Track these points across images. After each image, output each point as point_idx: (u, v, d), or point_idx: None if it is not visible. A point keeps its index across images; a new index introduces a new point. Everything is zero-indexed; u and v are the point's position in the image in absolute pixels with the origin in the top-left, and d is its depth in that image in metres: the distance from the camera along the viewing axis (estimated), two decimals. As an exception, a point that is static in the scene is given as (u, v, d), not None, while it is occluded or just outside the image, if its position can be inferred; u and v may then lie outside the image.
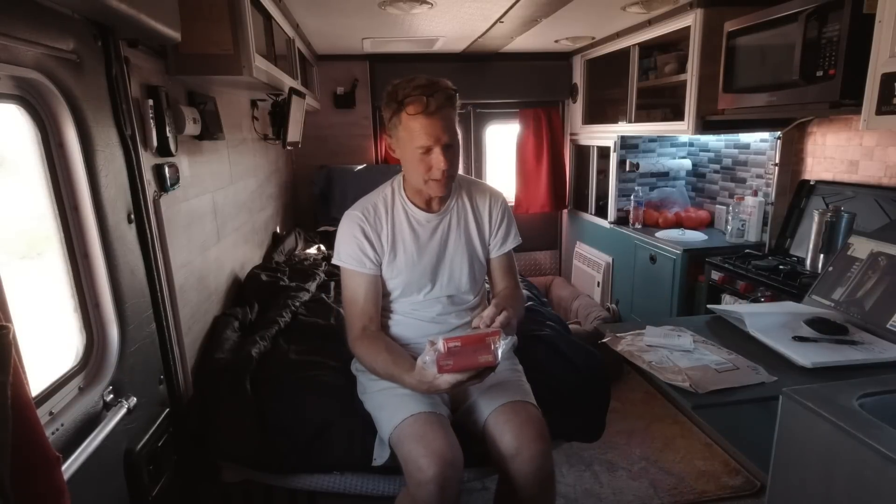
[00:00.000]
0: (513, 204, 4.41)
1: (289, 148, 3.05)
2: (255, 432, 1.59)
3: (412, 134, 1.37)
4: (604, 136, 3.79)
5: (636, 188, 3.50)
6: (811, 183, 2.55)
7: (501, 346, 1.24)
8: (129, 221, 1.42)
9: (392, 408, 1.44)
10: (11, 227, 1.21)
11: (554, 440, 1.58)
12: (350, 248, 1.49)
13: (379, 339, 1.49)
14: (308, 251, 3.40)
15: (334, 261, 1.53)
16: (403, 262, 1.52)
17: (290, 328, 2.11)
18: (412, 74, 1.39)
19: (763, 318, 1.63)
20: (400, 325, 1.59)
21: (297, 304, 2.31)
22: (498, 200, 1.62)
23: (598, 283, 3.83)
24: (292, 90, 2.56)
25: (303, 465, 1.61)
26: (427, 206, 1.54)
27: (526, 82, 4.25)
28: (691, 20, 2.62)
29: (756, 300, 2.25)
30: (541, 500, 1.43)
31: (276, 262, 2.94)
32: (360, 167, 4.10)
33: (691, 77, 2.68)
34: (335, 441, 1.58)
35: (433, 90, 1.35)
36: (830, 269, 1.82)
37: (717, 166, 3.34)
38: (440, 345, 1.23)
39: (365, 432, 1.56)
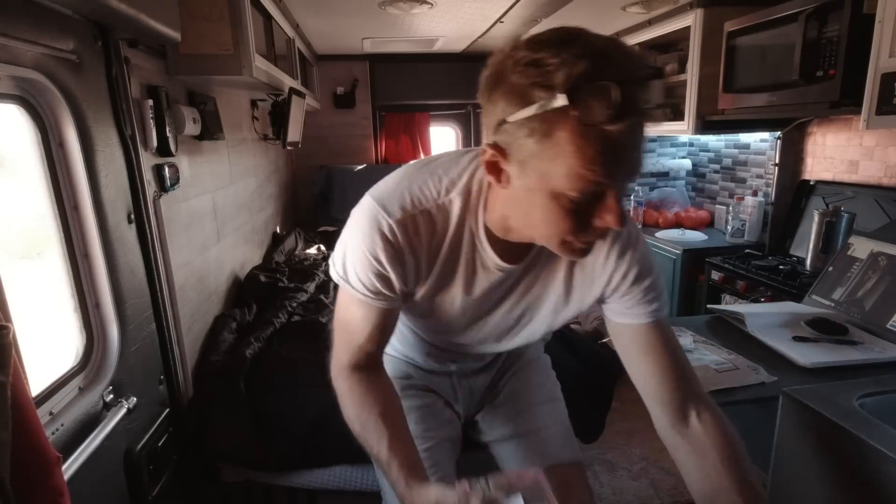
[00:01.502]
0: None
1: (289, 148, 3.05)
2: (252, 432, 1.59)
3: (566, 162, 0.62)
4: (604, 136, 3.78)
5: (636, 188, 3.50)
6: (811, 183, 2.55)
7: None
8: (129, 221, 1.42)
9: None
10: (11, 227, 1.21)
11: None
12: (363, 271, 0.83)
13: (375, 388, 0.94)
14: (308, 251, 3.40)
15: (333, 274, 0.90)
16: (442, 309, 0.93)
17: (285, 328, 2.11)
18: (560, 30, 0.64)
19: (763, 317, 1.63)
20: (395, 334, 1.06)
21: (294, 304, 2.31)
22: (630, 248, 0.86)
23: (598, 283, 3.82)
24: (292, 90, 2.56)
25: (301, 462, 1.62)
26: (507, 253, 0.84)
27: (526, 82, 4.25)
28: (691, 20, 2.62)
29: (756, 300, 2.24)
30: None
31: (275, 262, 2.94)
32: (360, 167, 4.10)
33: (691, 77, 2.68)
34: (332, 435, 1.58)
35: (637, 74, 0.61)
36: (830, 269, 1.82)
37: (717, 166, 3.34)
38: None
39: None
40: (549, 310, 0.93)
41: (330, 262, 0.92)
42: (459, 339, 1.02)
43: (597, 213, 0.68)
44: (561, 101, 0.59)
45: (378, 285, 0.84)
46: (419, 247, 0.83)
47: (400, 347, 1.16)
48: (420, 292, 0.89)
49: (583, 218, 0.68)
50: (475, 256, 0.86)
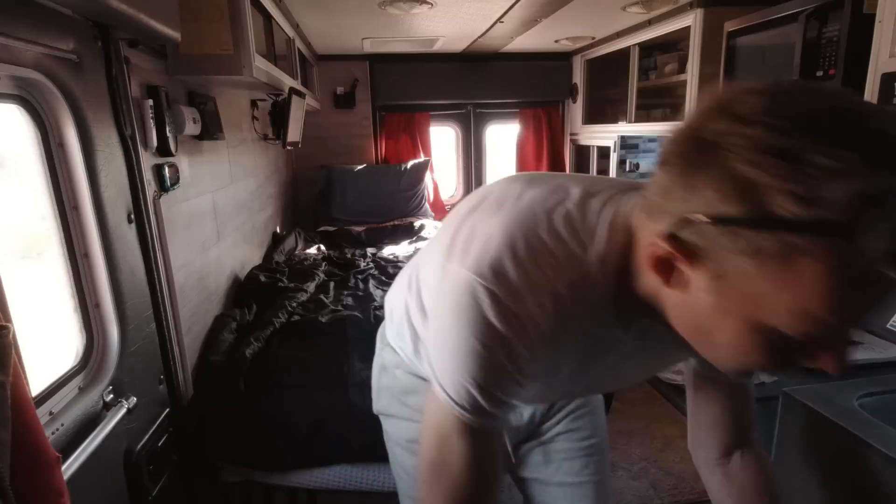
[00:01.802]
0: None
1: (289, 148, 3.05)
2: (251, 432, 1.59)
3: (799, 300, 0.45)
4: (604, 136, 3.79)
5: (636, 188, 3.50)
6: (811, 183, 2.55)
7: None
8: (129, 221, 1.42)
9: None
10: (11, 227, 1.21)
11: None
12: (473, 381, 0.61)
13: None
14: (308, 251, 3.40)
15: (441, 394, 0.64)
16: (543, 382, 0.74)
17: (285, 328, 2.11)
18: (816, 92, 0.46)
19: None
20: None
21: (294, 304, 2.31)
22: None
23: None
24: (292, 90, 2.56)
25: (301, 461, 1.62)
26: (624, 317, 0.65)
27: (526, 82, 4.25)
28: (691, 20, 2.62)
29: (756, 300, 2.24)
30: None
31: (275, 262, 2.94)
32: (360, 167, 4.10)
33: (691, 77, 2.68)
34: (332, 435, 1.58)
35: None
36: (830, 269, 1.82)
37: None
38: None
39: (361, 423, 1.56)
40: (672, 361, 0.82)
41: (431, 376, 0.66)
42: (548, 399, 0.92)
43: (811, 353, 0.50)
44: (830, 228, 0.40)
45: (493, 393, 0.62)
46: (545, 334, 0.61)
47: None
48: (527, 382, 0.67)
49: (788, 355, 0.51)
50: (598, 328, 0.65)
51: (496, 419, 0.65)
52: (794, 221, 0.41)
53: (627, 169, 3.57)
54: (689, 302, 0.53)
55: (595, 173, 4.03)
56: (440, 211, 4.33)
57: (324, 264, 2.99)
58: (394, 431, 1.03)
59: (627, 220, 0.60)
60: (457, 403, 0.63)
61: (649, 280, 0.56)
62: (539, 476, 1.06)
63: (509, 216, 0.63)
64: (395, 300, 0.93)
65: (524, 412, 1.02)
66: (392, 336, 0.98)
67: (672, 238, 0.49)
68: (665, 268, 0.52)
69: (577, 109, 4.21)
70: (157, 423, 1.49)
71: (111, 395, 1.28)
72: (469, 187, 4.55)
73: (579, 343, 0.67)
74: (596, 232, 0.61)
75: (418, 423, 0.84)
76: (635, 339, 0.67)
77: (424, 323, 0.80)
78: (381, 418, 1.06)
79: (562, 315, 0.61)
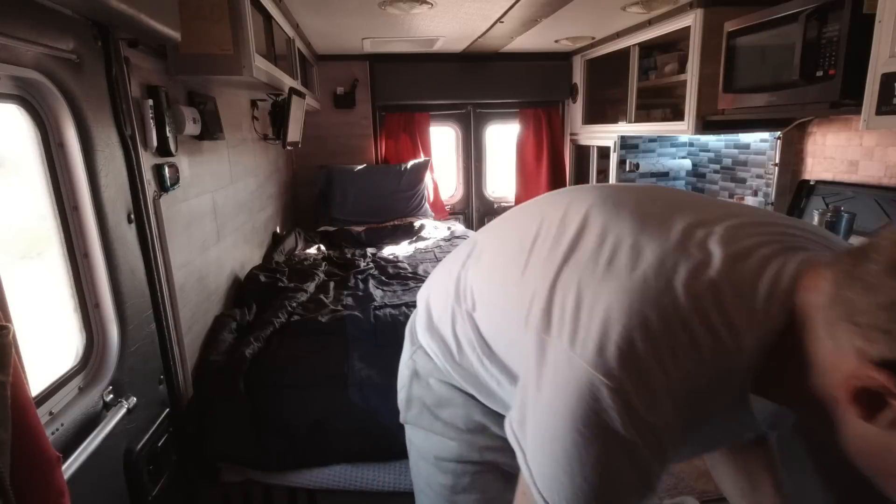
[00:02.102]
0: (513, 204, 4.41)
1: (289, 148, 3.05)
2: (251, 432, 1.60)
3: None
4: (604, 136, 3.79)
5: (636, 188, 3.50)
6: (811, 183, 2.55)
7: None
8: (129, 221, 1.42)
9: None
10: (11, 227, 1.21)
11: None
12: (603, 500, 0.52)
13: None
14: (308, 251, 3.40)
15: (535, 495, 0.55)
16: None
17: (284, 328, 2.11)
18: None
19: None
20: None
21: (294, 304, 2.31)
22: None
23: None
24: (292, 90, 2.56)
25: (301, 461, 1.62)
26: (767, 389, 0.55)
27: (526, 82, 4.25)
28: (691, 20, 2.62)
29: (756, 300, 2.24)
30: None
31: (275, 262, 2.94)
32: (360, 167, 4.10)
33: (691, 77, 2.68)
34: (332, 435, 1.58)
35: None
36: (830, 269, 1.82)
37: (717, 166, 3.34)
38: None
39: (361, 423, 1.56)
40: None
41: (522, 463, 0.57)
42: None
43: None
44: None
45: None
46: (675, 438, 0.51)
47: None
48: None
49: None
50: (733, 415, 0.56)
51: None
52: None
53: (627, 169, 3.57)
54: (888, 443, 0.44)
55: (595, 173, 4.03)
56: (440, 211, 4.33)
57: (324, 264, 2.99)
58: (421, 444, 0.93)
59: (791, 296, 0.48)
60: None
61: (835, 394, 0.46)
62: None
63: (634, 285, 0.50)
64: (438, 305, 0.83)
65: None
66: (426, 340, 0.87)
67: (884, 366, 0.40)
68: (868, 399, 0.42)
69: (577, 109, 4.21)
70: (157, 423, 1.49)
71: (111, 395, 1.28)
72: (469, 187, 4.55)
73: (702, 424, 0.55)
74: (753, 314, 0.48)
75: (451, 440, 0.84)
76: (767, 425, 0.58)
77: (489, 359, 0.71)
78: (408, 429, 0.98)
79: (698, 411, 0.50)
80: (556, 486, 0.51)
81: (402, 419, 0.97)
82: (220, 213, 2.26)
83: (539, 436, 0.53)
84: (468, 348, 0.76)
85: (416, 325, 0.93)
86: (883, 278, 0.39)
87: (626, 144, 3.60)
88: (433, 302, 0.88)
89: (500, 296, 0.69)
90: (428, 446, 0.91)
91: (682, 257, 0.51)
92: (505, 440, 0.65)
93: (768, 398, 0.53)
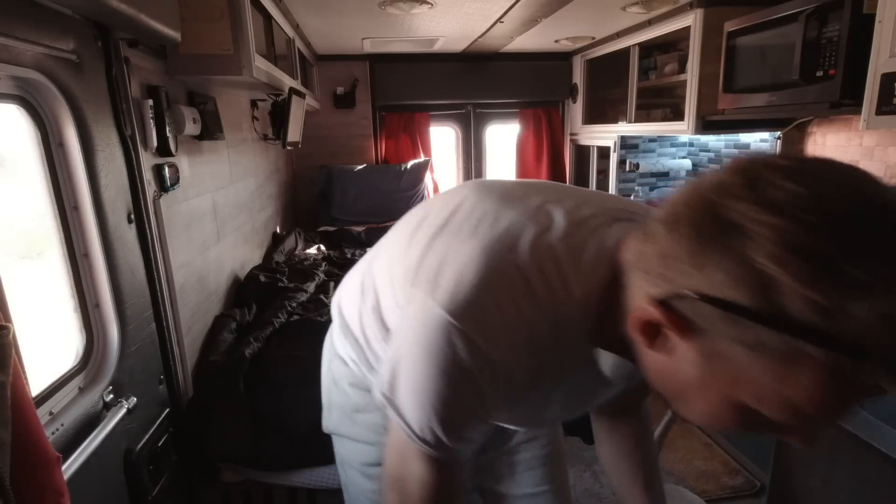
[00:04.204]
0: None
1: (289, 148, 3.05)
2: (252, 432, 1.59)
3: (788, 394, 0.43)
4: (604, 136, 3.79)
5: (636, 188, 3.50)
6: (811, 183, 2.55)
7: None
8: (129, 221, 1.42)
9: None
10: (11, 227, 1.21)
11: None
12: (438, 419, 0.62)
13: None
14: (308, 251, 3.40)
15: (394, 418, 0.65)
16: (517, 415, 0.73)
17: (284, 328, 2.11)
18: (848, 185, 0.42)
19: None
20: None
21: (294, 304, 2.31)
22: None
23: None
24: (292, 90, 2.56)
25: (301, 461, 1.62)
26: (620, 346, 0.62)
27: (526, 82, 4.25)
28: (691, 20, 2.62)
29: (756, 300, 2.24)
30: None
31: (275, 262, 2.94)
32: (360, 167, 4.10)
33: (691, 77, 2.68)
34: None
35: None
36: (830, 269, 1.82)
37: (717, 166, 3.32)
38: None
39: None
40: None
41: (379, 395, 0.66)
42: (522, 426, 0.88)
43: (784, 431, 0.50)
44: (846, 344, 0.38)
45: (459, 433, 0.63)
46: (523, 372, 0.60)
47: None
48: (499, 416, 0.69)
49: (759, 428, 0.50)
50: (583, 375, 0.66)
51: (457, 452, 0.65)
52: (808, 329, 0.39)
53: (627, 169, 3.57)
54: (670, 367, 0.51)
55: (595, 173, 4.03)
56: (440, 211, 4.33)
57: (324, 264, 2.99)
58: (346, 453, 0.99)
59: (614, 256, 0.57)
60: (419, 437, 0.63)
61: (632, 333, 0.53)
62: (505, 490, 1.06)
63: (486, 244, 0.59)
64: (348, 308, 0.87)
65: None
66: (342, 346, 0.91)
67: (666, 306, 0.47)
68: (651, 331, 0.50)
69: (577, 109, 4.21)
70: (157, 423, 1.49)
71: (111, 396, 1.28)
72: (469, 187, 4.54)
73: (557, 380, 0.65)
74: (581, 270, 0.58)
75: (371, 444, 0.91)
76: (611, 374, 0.65)
77: (386, 341, 0.75)
78: (333, 438, 1.02)
79: (539, 357, 0.59)
80: (412, 411, 0.62)
81: (324, 427, 1.02)
82: (220, 214, 2.26)
83: (400, 365, 0.62)
84: (377, 346, 0.79)
85: (333, 332, 0.97)
86: (662, 231, 0.47)
87: (626, 144, 3.60)
88: (344, 306, 0.89)
89: (389, 280, 0.74)
90: (352, 454, 0.97)
91: (531, 223, 0.60)
92: None
93: (613, 352, 0.62)
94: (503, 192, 0.67)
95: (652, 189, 3.60)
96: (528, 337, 0.57)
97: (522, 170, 4.41)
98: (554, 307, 0.57)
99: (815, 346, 0.39)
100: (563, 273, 0.57)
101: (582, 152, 4.30)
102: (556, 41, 3.62)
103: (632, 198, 3.46)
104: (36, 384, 1.09)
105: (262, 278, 2.52)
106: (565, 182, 4.46)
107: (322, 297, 2.46)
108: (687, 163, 3.58)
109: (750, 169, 0.45)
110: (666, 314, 0.47)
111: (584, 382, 0.68)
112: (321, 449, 1.59)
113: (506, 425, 0.77)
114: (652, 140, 3.59)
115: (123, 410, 1.29)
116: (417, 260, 0.64)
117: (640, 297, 0.50)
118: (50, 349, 1.24)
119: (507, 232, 0.60)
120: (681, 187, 0.50)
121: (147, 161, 1.54)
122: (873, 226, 0.39)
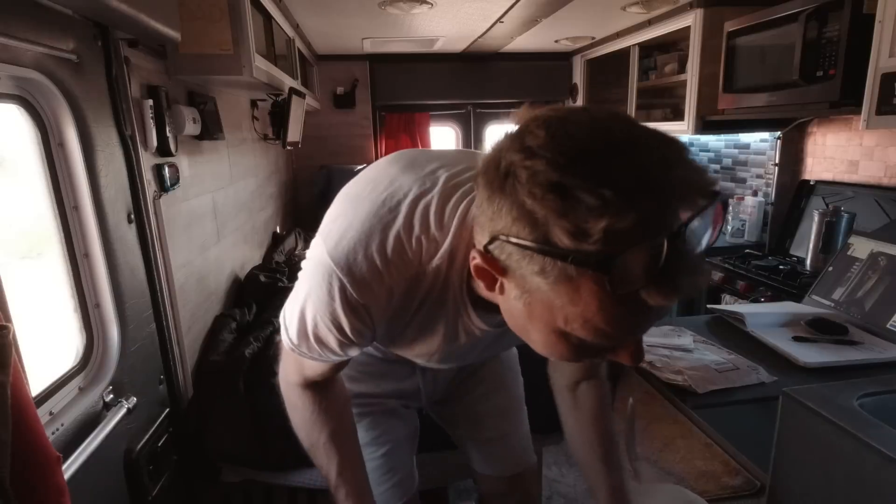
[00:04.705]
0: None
1: (289, 148, 3.05)
2: (252, 432, 1.59)
3: (584, 313, 0.50)
4: (604, 136, 3.78)
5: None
6: (811, 183, 2.55)
7: None
8: (129, 221, 1.42)
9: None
10: (11, 227, 1.21)
11: (552, 433, 1.57)
12: (317, 342, 0.74)
13: (327, 406, 0.96)
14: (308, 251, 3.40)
15: (285, 339, 0.82)
16: (411, 349, 0.83)
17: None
18: (589, 123, 0.50)
19: (763, 317, 1.63)
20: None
21: (297, 304, 2.31)
22: None
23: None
24: (292, 90, 2.56)
25: (301, 461, 1.61)
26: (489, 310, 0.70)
27: (526, 82, 4.25)
28: (691, 20, 2.62)
29: (756, 300, 2.24)
30: None
31: (275, 262, 2.94)
32: (360, 167, 4.09)
33: (691, 77, 2.68)
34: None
35: (692, 222, 0.46)
36: (830, 269, 1.82)
37: (717, 166, 3.34)
38: None
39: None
40: None
41: (282, 322, 0.80)
42: (426, 364, 0.93)
43: (609, 351, 0.58)
44: (591, 261, 0.45)
45: (336, 351, 0.75)
46: (394, 315, 0.71)
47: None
48: (387, 344, 0.83)
49: (591, 352, 0.57)
50: (458, 321, 0.74)
51: (323, 357, 0.79)
52: (566, 253, 0.46)
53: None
54: (507, 307, 0.59)
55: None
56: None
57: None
58: None
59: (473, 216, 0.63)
60: (295, 347, 0.79)
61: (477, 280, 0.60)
62: (463, 436, 1.21)
63: (373, 206, 0.68)
64: None
65: (438, 375, 1.12)
66: None
67: (486, 252, 0.53)
68: (485, 276, 0.57)
69: (577, 109, 4.21)
70: (157, 423, 1.49)
71: (111, 395, 1.28)
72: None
73: (431, 323, 0.74)
74: (444, 226, 0.65)
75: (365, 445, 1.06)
76: (495, 328, 0.73)
77: None
78: None
79: (405, 303, 0.69)
80: (292, 326, 0.75)
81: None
82: (220, 213, 2.26)
83: (293, 296, 0.76)
84: None
85: None
86: (480, 187, 0.53)
87: (626, 144, 3.59)
88: None
89: (321, 228, 0.83)
90: None
91: (417, 185, 0.68)
92: (373, 365, 1.07)
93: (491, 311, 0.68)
94: (409, 161, 0.74)
95: (652, 189, 3.59)
96: (389, 287, 0.66)
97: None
98: (416, 261, 0.66)
99: (575, 267, 0.46)
100: (428, 230, 0.65)
101: (582, 152, 4.30)
102: (556, 41, 3.62)
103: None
104: (36, 384, 1.09)
105: (262, 278, 2.52)
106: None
107: (322, 297, 2.46)
108: (687, 163, 3.58)
109: (521, 121, 0.52)
110: (484, 258, 0.54)
111: (461, 327, 0.76)
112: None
113: (406, 356, 0.87)
114: (652, 140, 3.59)
115: (123, 410, 1.29)
116: (329, 216, 0.74)
117: (479, 246, 0.56)
118: (50, 349, 1.24)
119: (392, 195, 0.68)
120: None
121: (147, 161, 1.54)
122: (606, 155, 0.46)
